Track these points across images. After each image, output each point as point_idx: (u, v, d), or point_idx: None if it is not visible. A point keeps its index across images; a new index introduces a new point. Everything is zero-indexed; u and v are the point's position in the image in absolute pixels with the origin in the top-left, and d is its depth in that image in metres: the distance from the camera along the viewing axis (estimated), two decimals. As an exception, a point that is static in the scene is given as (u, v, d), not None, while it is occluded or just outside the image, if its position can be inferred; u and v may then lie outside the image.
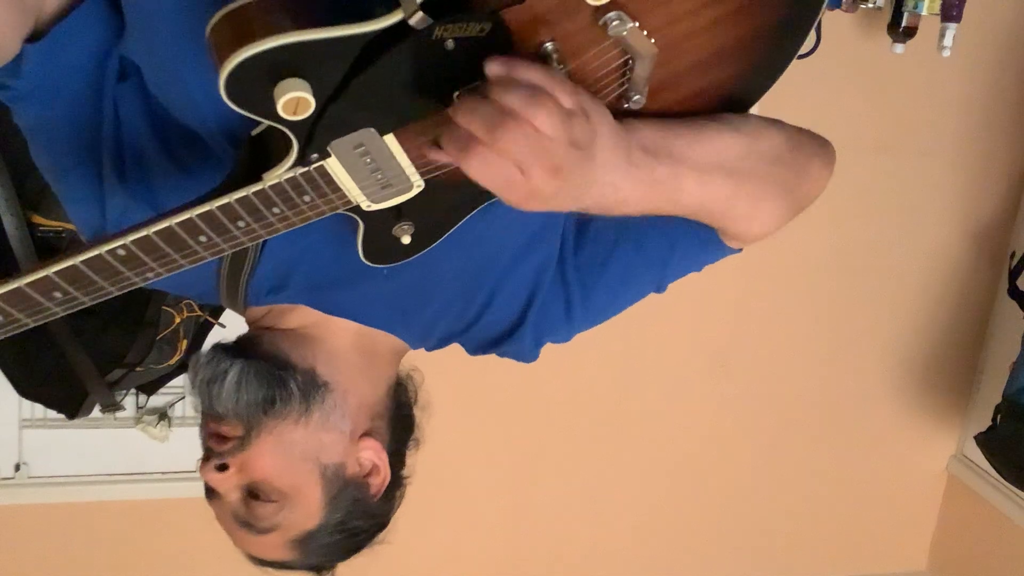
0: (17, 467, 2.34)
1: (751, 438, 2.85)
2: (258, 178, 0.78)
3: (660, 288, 1.08)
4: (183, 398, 2.34)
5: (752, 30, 0.83)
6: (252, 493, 1.00)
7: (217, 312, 2.06)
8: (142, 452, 2.37)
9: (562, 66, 0.78)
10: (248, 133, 0.82)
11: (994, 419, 2.54)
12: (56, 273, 0.78)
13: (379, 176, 0.81)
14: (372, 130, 0.77)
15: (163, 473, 2.42)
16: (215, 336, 2.06)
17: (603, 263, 1.05)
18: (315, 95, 0.71)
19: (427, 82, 0.75)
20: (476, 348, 1.13)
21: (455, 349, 1.14)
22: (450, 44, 0.73)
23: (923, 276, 2.82)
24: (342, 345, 1.04)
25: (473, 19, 0.72)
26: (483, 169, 0.74)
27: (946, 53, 2.28)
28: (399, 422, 1.10)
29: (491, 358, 1.16)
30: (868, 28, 2.50)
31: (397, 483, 1.11)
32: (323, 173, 0.78)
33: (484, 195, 0.85)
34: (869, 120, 2.61)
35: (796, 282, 2.74)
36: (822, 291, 2.77)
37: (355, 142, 0.77)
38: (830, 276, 2.76)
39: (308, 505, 1.02)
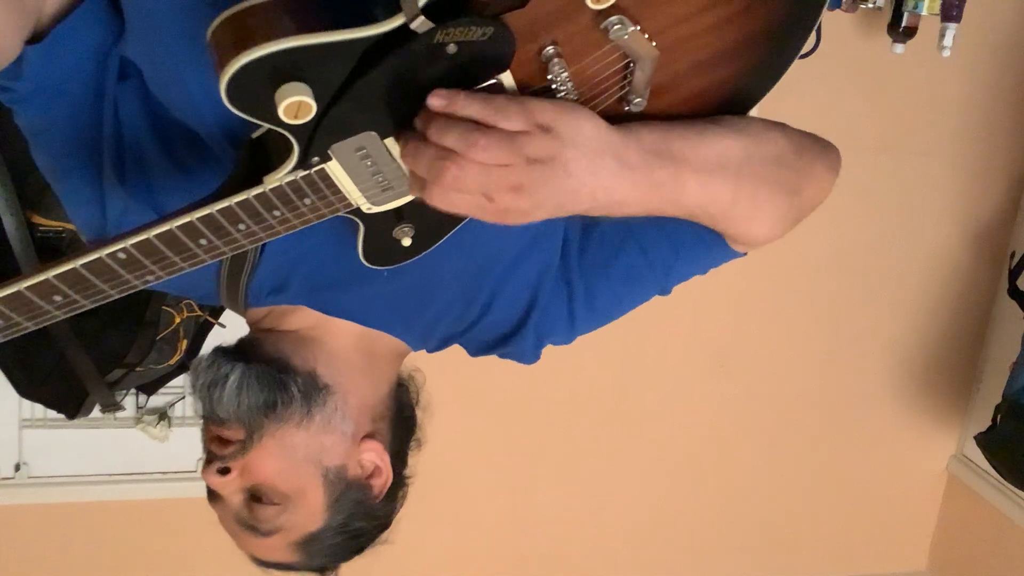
0: (17, 467, 2.34)
1: (751, 438, 2.85)
2: (258, 181, 0.78)
3: (664, 291, 1.08)
4: (183, 398, 2.34)
5: (753, 32, 0.83)
6: (254, 496, 1.00)
7: (217, 312, 2.06)
8: (142, 452, 2.37)
9: (563, 69, 0.78)
10: (248, 134, 0.82)
11: (994, 419, 2.54)
12: (56, 276, 0.78)
13: (380, 179, 0.81)
14: (373, 133, 0.77)
15: (163, 473, 2.42)
16: (215, 336, 2.06)
17: (607, 265, 1.05)
18: (316, 99, 0.71)
19: (429, 86, 0.75)
20: (477, 349, 1.13)
21: (456, 350, 1.14)
22: (452, 48, 0.73)
23: (923, 276, 2.82)
24: (343, 347, 1.04)
25: (475, 23, 0.72)
26: (446, 203, 0.78)
27: (946, 53, 2.28)
28: (401, 423, 1.10)
29: (492, 359, 1.16)
30: (868, 28, 2.50)
31: (399, 484, 1.11)
32: (324, 176, 0.78)
33: None
34: (869, 120, 2.61)
35: (796, 282, 2.74)
36: (822, 291, 2.76)
37: (356, 145, 0.77)
38: (830, 276, 2.76)
39: (311, 507, 1.02)
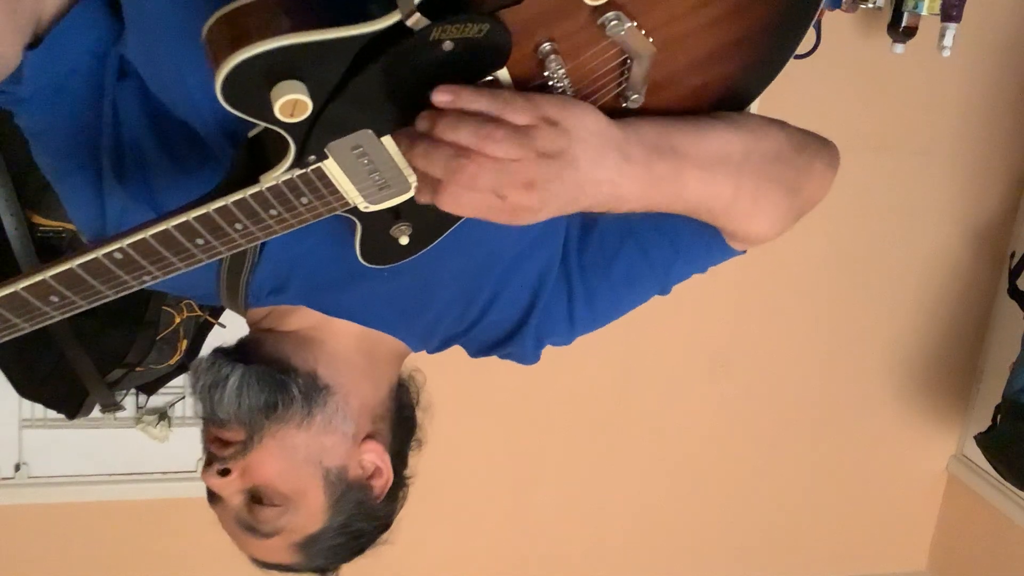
0: (17, 467, 2.34)
1: (751, 438, 2.85)
2: (255, 180, 0.77)
3: (664, 290, 1.08)
4: (183, 398, 2.34)
5: (751, 27, 0.83)
6: (255, 497, 1.00)
7: (217, 312, 2.06)
8: (142, 452, 2.37)
9: (560, 66, 0.78)
10: (246, 133, 0.82)
11: (994, 419, 2.54)
12: (53, 277, 0.78)
13: (376, 177, 0.81)
14: (370, 132, 0.77)
15: (163, 473, 2.42)
16: (215, 336, 2.06)
17: (607, 265, 1.05)
18: (312, 97, 0.71)
19: (425, 83, 0.75)
20: (478, 350, 1.13)
21: (457, 351, 1.14)
22: (448, 45, 0.72)
23: (923, 276, 2.82)
24: (344, 347, 1.03)
25: (471, 20, 0.72)
26: (457, 205, 0.77)
27: (946, 53, 2.28)
28: (401, 424, 1.10)
29: (492, 360, 1.15)
30: (868, 28, 2.50)
31: (400, 484, 1.11)
32: (320, 175, 0.78)
33: None
34: (869, 120, 2.61)
35: (796, 282, 2.74)
36: (822, 291, 2.76)
37: (352, 144, 0.77)
38: (830, 276, 2.75)
39: (311, 508, 1.02)
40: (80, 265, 0.77)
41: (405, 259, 0.92)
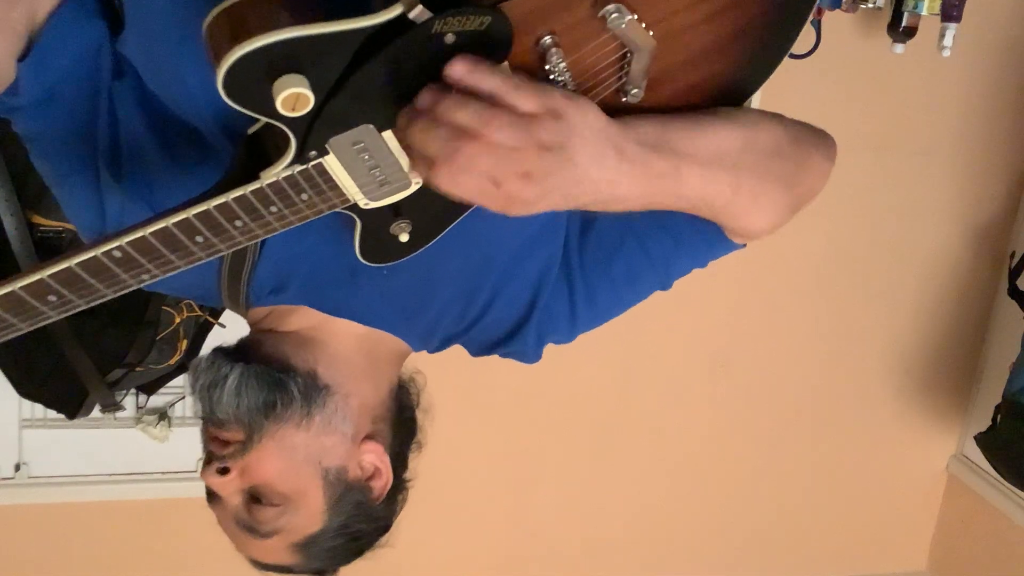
0: (17, 467, 2.34)
1: (751, 438, 2.85)
2: (255, 177, 0.77)
3: (665, 286, 1.08)
4: (183, 398, 2.34)
5: (749, 21, 0.83)
6: (254, 497, 1.00)
7: (217, 312, 2.06)
8: (142, 452, 2.37)
9: (561, 60, 0.78)
10: (245, 130, 0.82)
11: (994, 419, 2.54)
12: (51, 276, 0.77)
13: (377, 173, 0.81)
14: (371, 126, 0.77)
15: (163, 473, 2.42)
16: (215, 336, 2.06)
17: (608, 262, 1.05)
18: (314, 91, 0.71)
19: (427, 77, 0.75)
20: (479, 349, 1.13)
21: (457, 352, 1.14)
22: (450, 38, 0.72)
23: (923, 276, 2.82)
24: (344, 348, 1.03)
25: (473, 12, 0.71)
26: (452, 186, 0.76)
27: (946, 53, 2.28)
28: (401, 425, 1.10)
29: (492, 361, 1.15)
30: (868, 28, 2.50)
31: (399, 486, 1.11)
32: (321, 171, 0.78)
33: None
34: (869, 120, 2.61)
35: (796, 282, 2.74)
36: (822, 291, 2.76)
37: (353, 139, 0.77)
38: (830, 276, 2.76)
39: (310, 509, 1.01)
40: (79, 264, 0.77)
41: (405, 257, 0.92)
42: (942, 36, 2.27)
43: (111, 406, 2.05)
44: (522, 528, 2.77)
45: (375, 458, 1.04)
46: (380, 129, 0.77)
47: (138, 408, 2.32)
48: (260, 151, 0.79)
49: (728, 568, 2.95)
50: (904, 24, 2.30)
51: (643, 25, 0.79)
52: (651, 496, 2.83)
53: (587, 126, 0.78)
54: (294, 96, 0.70)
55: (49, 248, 1.80)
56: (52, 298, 0.79)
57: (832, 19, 2.34)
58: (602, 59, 0.81)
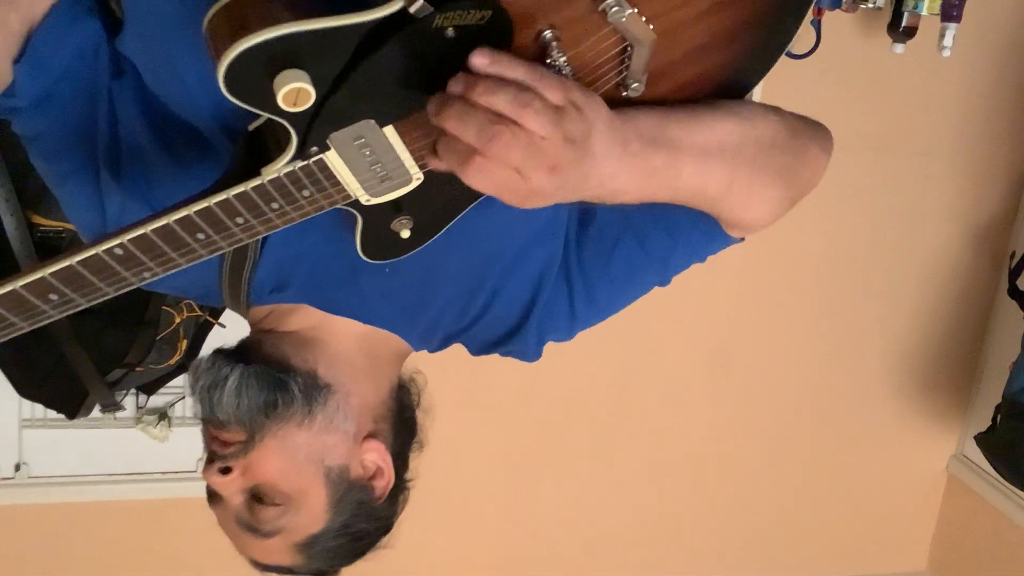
0: (17, 467, 2.34)
1: (751, 438, 2.85)
2: (256, 173, 0.77)
3: (664, 282, 1.08)
4: (183, 398, 2.34)
5: (748, 16, 0.84)
6: (256, 497, 1.00)
7: (217, 312, 2.06)
8: (142, 452, 2.37)
9: (561, 54, 0.78)
10: (246, 127, 0.82)
11: (994, 419, 2.54)
12: (52, 274, 0.77)
13: (378, 169, 0.81)
14: (372, 122, 0.77)
15: (163, 473, 2.42)
16: (215, 336, 2.06)
17: (606, 259, 1.05)
18: (315, 86, 0.71)
19: (427, 72, 0.75)
20: (479, 348, 1.13)
21: (456, 353, 1.14)
22: (451, 32, 0.72)
23: (923, 276, 2.82)
24: (345, 347, 1.03)
25: (473, 7, 0.71)
26: (482, 178, 0.75)
27: (946, 53, 2.28)
28: (402, 424, 1.10)
29: (491, 361, 1.15)
30: (868, 28, 2.50)
31: (401, 486, 1.11)
32: (322, 167, 0.78)
33: None
34: (869, 120, 2.61)
35: (796, 282, 2.74)
36: (822, 291, 2.77)
37: (354, 134, 0.77)
38: (830, 276, 2.76)
39: (312, 508, 1.01)
40: (80, 262, 0.77)
41: (406, 253, 0.92)
42: (942, 36, 2.27)
43: (111, 406, 2.05)
44: (522, 528, 2.77)
45: (377, 457, 1.04)
46: (381, 124, 0.77)
47: (138, 408, 2.31)
48: (260, 147, 0.80)
49: (728, 568, 2.95)
50: (904, 24, 2.30)
51: (644, 19, 0.79)
52: (651, 496, 2.83)
53: (600, 119, 0.78)
54: (295, 91, 0.70)
55: (49, 248, 1.80)
56: (53, 296, 0.79)
57: (832, 19, 2.34)
58: (603, 53, 0.81)
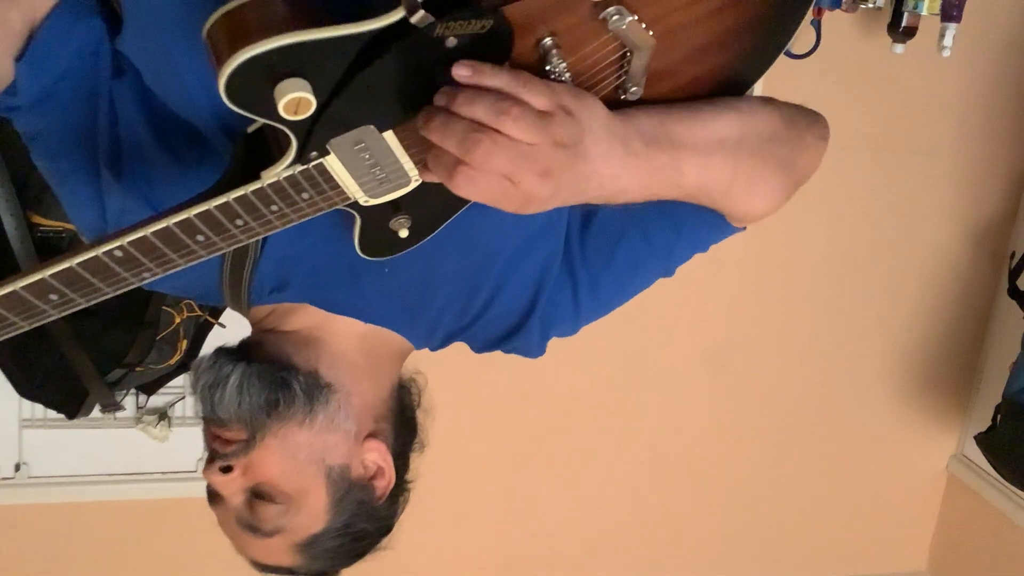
0: (17, 467, 2.34)
1: (751, 438, 2.85)
2: (256, 176, 0.77)
3: (668, 273, 1.08)
4: (183, 398, 2.34)
5: (749, 16, 0.84)
6: (257, 496, 1.00)
7: (217, 312, 2.06)
8: (142, 452, 2.37)
9: (561, 61, 0.78)
10: (245, 128, 0.82)
11: (994, 419, 2.54)
12: (52, 276, 0.77)
13: (377, 171, 0.81)
14: (372, 127, 0.77)
15: (163, 473, 2.42)
16: (215, 336, 2.06)
17: (610, 253, 1.05)
18: (316, 94, 0.71)
19: (428, 80, 0.75)
20: (482, 345, 1.13)
21: (455, 353, 1.14)
22: (451, 42, 0.72)
23: (923, 276, 2.82)
24: (346, 347, 1.03)
25: (474, 16, 0.72)
26: (471, 187, 0.76)
27: (946, 53, 2.28)
28: (403, 424, 1.10)
29: (491, 362, 1.15)
30: (868, 28, 2.50)
31: (401, 487, 1.11)
32: (322, 171, 0.78)
33: None
34: (869, 120, 2.61)
35: (796, 282, 2.74)
36: (822, 291, 2.77)
37: (354, 139, 0.77)
38: (830, 276, 2.76)
39: (313, 507, 1.01)
40: (80, 263, 0.77)
41: (404, 251, 0.92)
42: (942, 36, 2.27)
43: (111, 406, 2.05)
44: (522, 528, 2.77)
45: (378, 456, 1.04)
46: (381, 129, 0.78)
47: (138, 408, 2.32)
48: (260, 149, 0.80)
49: (728, 568, 2.95)
50: (904, 24, 2.29)
51: (643, 25, 0.79)
52: (651, 496, 2.83)
53: (596, 121, 0.79)
54: (296, 100, 0.70)
55: (49, 248, 1.80)
56: (53, 297, 0.79)
57: (832, 19, 2.34)
58: (602, 59, 0.81)
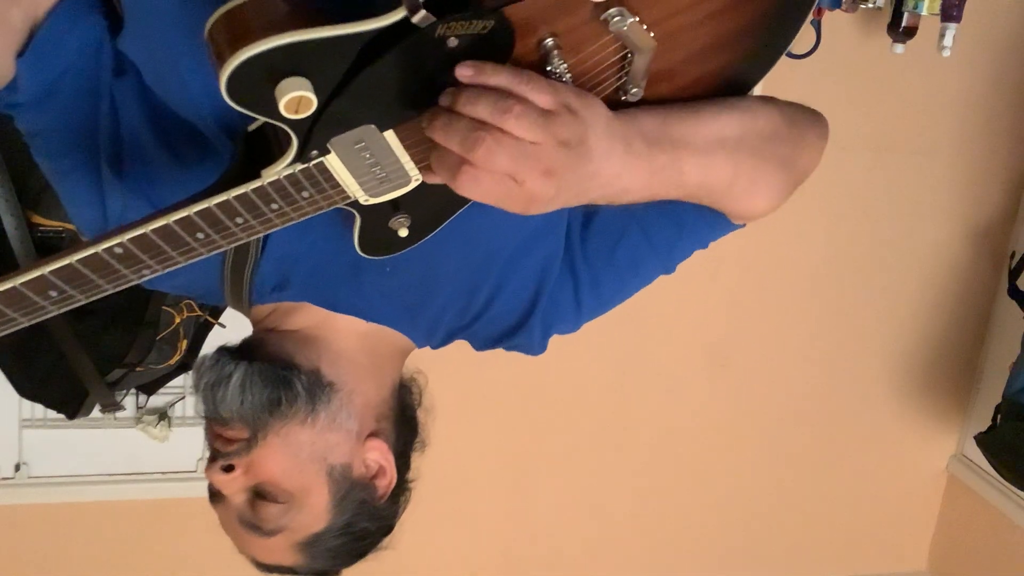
0: (17, 467, 2.34)
1: (751, 438, 2.85)
2: (256, 175, 0.77)
3: (669, 270, 1.09)
4: (183, 398, 2.34)
5: (748, 20, 0.84)
6: (258, 495, 0.99)
7: (217, 312, 2.06)
8: (142, 452, 2.37)
9: (562, 61, 0.79)
10: (245, 127, 0.82)
11: (994, 419, 2.54)
12: (52, 272, 0.77)
13: (378, 171, 0.81)
14: (372, 127, 0.77)
15: (163, 473, 2.42)
16: (215, 336, 2.06)
17: (611, 250, 1.06)
18: (316, 93, 0.71)
19: (429, 80, 0.75)
20: (484, 343, 1.13)
21: (455, 354, 1.14)
22: (453, 42, 0.72)
23: (923, 276, 2.82)
24: (347, 346, 1.03)
25: (476, 16, 0.72)
26: (475, 187, 0.75)
27: (946, 53, 2.28)
28: (404, 424, 1.10)
29: (492, 359, 1.15)
30: (868, 28, 2.50)
31: (402, 487, 1.11)
32: (322, 169, 0.78)
33: None
34: (869, 120, 2.61)
35: (796, 282, 2.74)
36: (822, 291, 2.77)
37: (355, 139, 0.77)
38: (830, 276, 2.76)
39: (315, 506, 1.01)
40: (80, 260, 0.77)
41: (403, 250, 0.92)
42: (942, 36, 2.27)
43: (111, 406, 2.05)
44: (522, 528, 2.78)
45: (379, 456, 1.04)
46: (382, 129, 0.78)
47: (138, 408, 2.32)
48: (260, 147, 0.80)
49: (728, 568, 2.95)
50: (904, 24, 2.30)
51: (644, 27, 0.79)
52: (651, 496, 2.83)
53: (598, 120, 0.79)
54: (297, 99, 0.70)
55: (49, 248, 1.80)
56: (53, 293, 0.79)
57: (832, 19, 2.34)
58: (603, 60, 0.81)
